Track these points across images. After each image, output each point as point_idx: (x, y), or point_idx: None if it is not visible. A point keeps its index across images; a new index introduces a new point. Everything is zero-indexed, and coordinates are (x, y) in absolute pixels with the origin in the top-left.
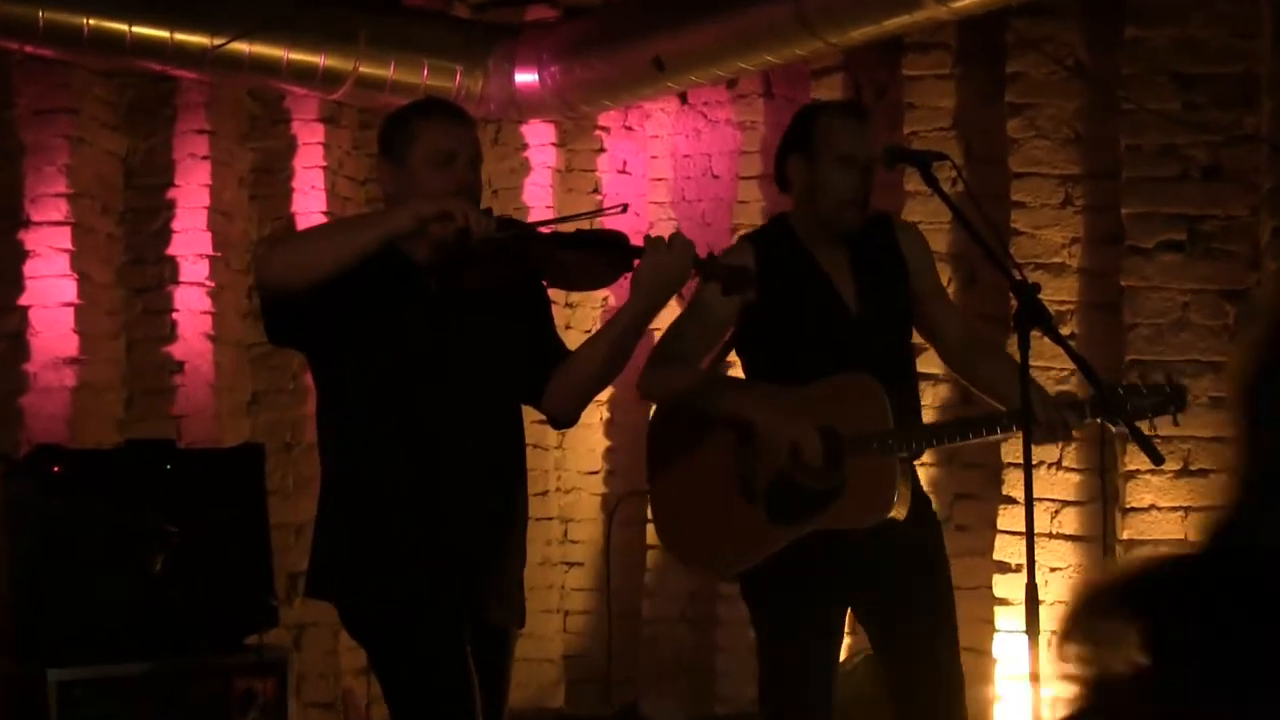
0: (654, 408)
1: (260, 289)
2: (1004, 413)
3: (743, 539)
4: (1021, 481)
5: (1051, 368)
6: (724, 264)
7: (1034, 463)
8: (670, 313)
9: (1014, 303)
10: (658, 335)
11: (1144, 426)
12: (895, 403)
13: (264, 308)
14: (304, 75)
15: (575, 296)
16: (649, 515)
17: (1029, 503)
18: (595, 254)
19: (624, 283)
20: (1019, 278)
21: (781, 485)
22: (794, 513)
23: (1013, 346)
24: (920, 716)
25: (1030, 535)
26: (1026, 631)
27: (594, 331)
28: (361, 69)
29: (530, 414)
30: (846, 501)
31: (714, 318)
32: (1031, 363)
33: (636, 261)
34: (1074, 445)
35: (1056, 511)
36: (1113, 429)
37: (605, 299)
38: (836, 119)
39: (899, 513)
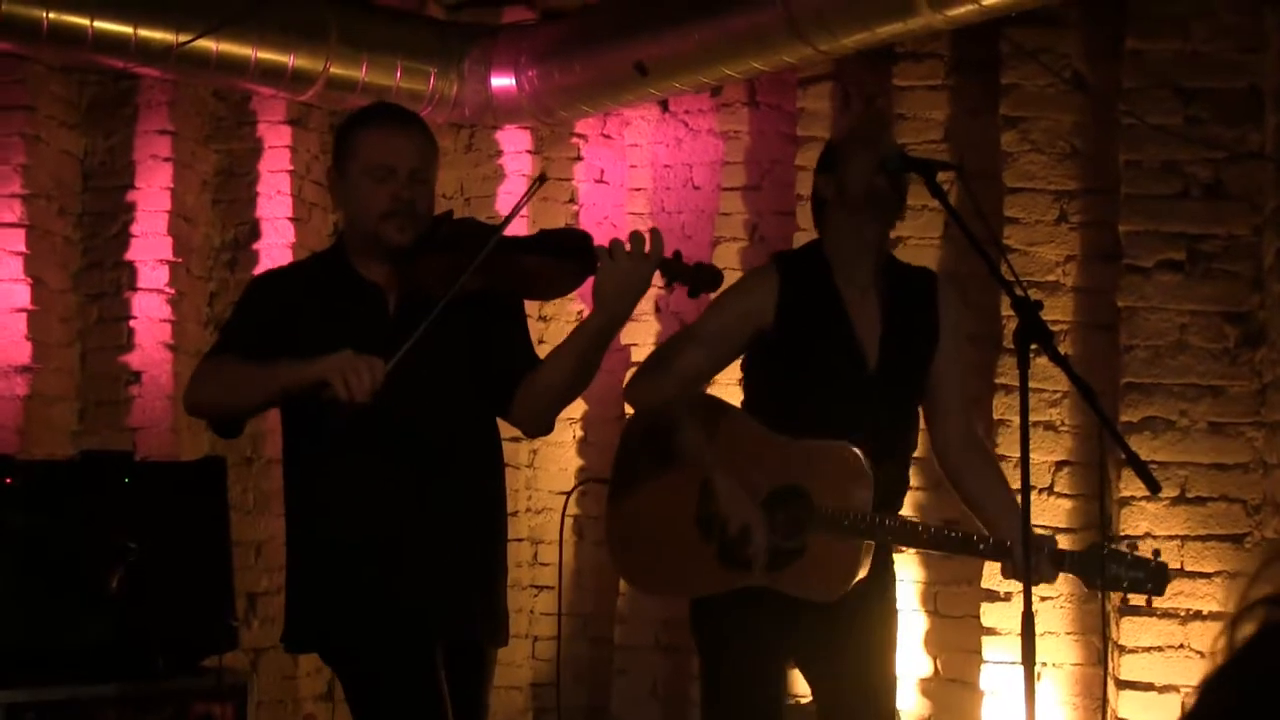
0: (631, 412)
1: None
2: (984, 540)
3: (690, 572)
4: None
5: (1044, 389)
6: (689, 265)
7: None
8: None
9: (1006, 323)
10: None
11: (1115, 596)
12: (884, 478)
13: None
14: (272, 75)
15: (549, 309)
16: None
17: (1025, 531)
18: (557, 258)
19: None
20: (1020, 294)
21: (724, 523)
22: (746, 562)
23: (1009, 365)
24: None
25: (1026, 564)
26: (1022, 663)
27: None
28: (333, 69)
29: (502, 431)
30: (801, 569)
31: (723, 339)
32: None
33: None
34: (1066, 469)
35: None
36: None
37: (580, 311)
38: (853, 125)
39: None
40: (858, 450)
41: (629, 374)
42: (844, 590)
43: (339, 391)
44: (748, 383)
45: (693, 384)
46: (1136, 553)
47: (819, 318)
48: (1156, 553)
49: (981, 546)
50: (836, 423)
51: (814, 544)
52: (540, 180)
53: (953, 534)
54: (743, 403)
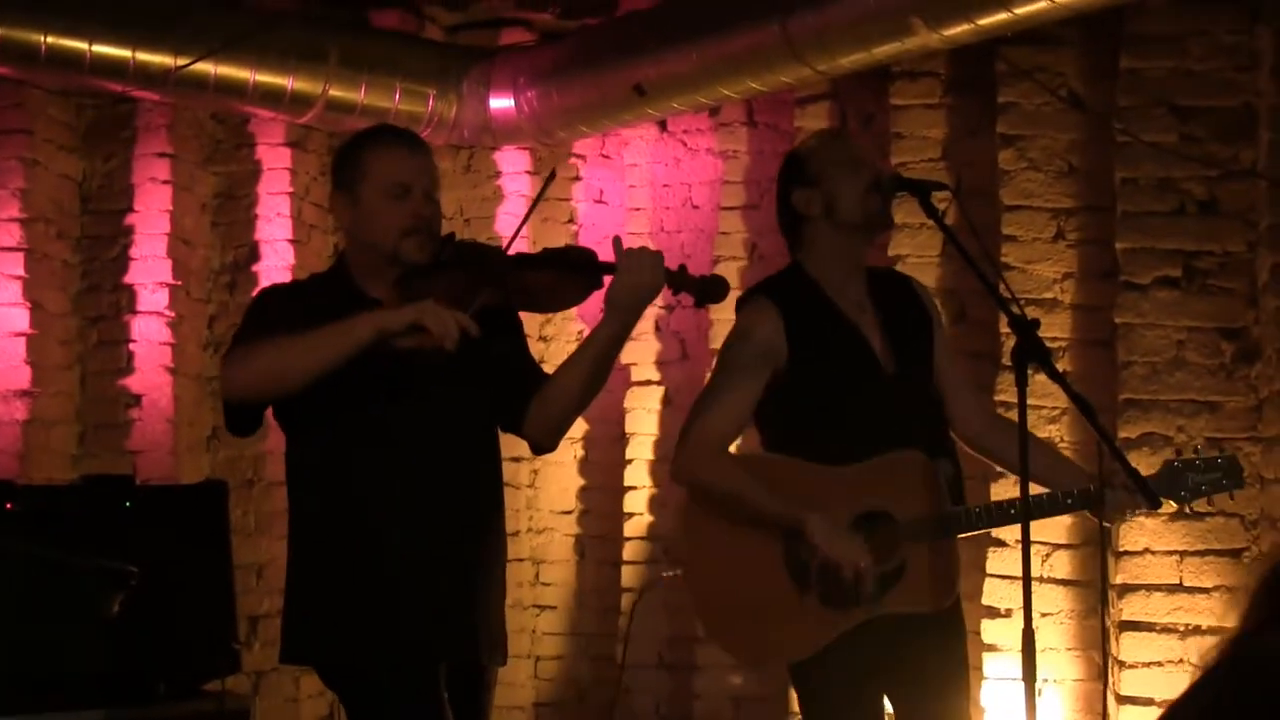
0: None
1: (225, 399)
2: (1069, 493)
3: (795, 629)
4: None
5: (1043, 406)
6: (695, 276)
7: None
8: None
9: (1005, 340)
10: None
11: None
12: (944, 473)
13: (227, 410)
14: (271, 97)
15: (550, 329)
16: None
17: (1025, 548)
18: (562, 274)
19: (595, 306)
20: (1017, 313)
21: (834, 570)
22: (853, 600)
23: (1008, 383)
24: None
25: (1027, 581)
26: (1023, 679)
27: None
28: (332, 91)
29: (503, 450)
30: (907, 585)
31: (746, 391)
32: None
33: (606, 279)
34: None
35: (1048, 555)
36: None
37: (580, 331)
38: (827, 141)
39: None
40: (917, 453)
41: (675, 454)
42: (953, 596)
43: (434, 335)
44: (768, 427)
45: (727, 446)
46: (1204, 456)
47: (830, 338)
48: (1222, 448)
49: (1069, 500)
50: (878, 436)
51: (912, 559)
52: (552, 177)
53: (1040, 498)
54: (765, 447)
